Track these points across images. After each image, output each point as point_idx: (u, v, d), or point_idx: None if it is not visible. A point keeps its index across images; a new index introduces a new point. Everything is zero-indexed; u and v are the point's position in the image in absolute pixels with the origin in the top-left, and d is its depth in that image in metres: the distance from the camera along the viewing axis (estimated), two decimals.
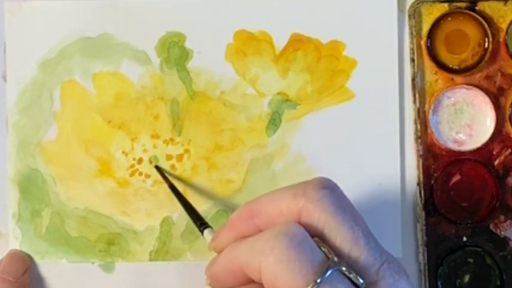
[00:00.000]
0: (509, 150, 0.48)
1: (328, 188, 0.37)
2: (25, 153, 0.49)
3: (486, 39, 0.48)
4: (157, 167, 0.49)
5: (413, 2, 0.49)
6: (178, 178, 0.49)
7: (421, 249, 0.48)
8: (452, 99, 0.49)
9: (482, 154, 0.49)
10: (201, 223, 0.44)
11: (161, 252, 0.49)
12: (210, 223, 0.49)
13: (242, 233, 0.38)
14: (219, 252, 0.39)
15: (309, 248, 0.35)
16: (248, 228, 0.38)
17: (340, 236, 0.36)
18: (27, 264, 0.49)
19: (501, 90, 0.49)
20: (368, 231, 0.37)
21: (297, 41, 0.49)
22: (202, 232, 0.43)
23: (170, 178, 0.49)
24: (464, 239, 0.48)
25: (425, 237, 0.48)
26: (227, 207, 0.49)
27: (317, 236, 0.36)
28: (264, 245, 0.35)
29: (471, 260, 0.48)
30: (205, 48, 0.49)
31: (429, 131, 0.49)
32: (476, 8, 0.48)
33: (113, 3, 0.49)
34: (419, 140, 0.49)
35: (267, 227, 0.37)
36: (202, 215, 0.49)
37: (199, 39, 0.49)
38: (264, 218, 0.38)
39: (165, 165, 0.49)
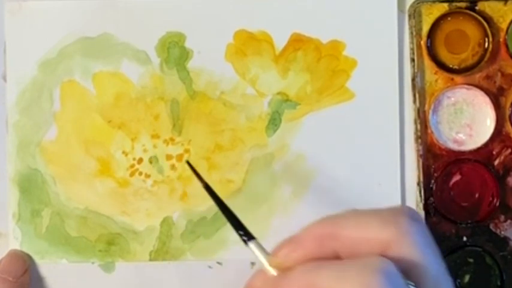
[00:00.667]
0: (509, 150, 0.48)
1: (418, 221, 0.36)
2: (25, 153, 0.49)
3: (486, 39, 0.48)
4: (189, 164, 0.45)
5: (413, 2, 0.49)
6: (179, 178, 0.49)
7: None
8: (452, 99, 0.49)
9: (482, 154, 0.49)
10: (245, 233, 0.40)
11: (161, 252, 0.49)
12: (210, 223, 0.49)
13: (315, 254, 0.36)
14: (282, 269, 0.37)
15: None
16: (323, 250, 0.36)
17: (428, 273, 0.35)
18: (27, 264, 0.49)
19: (501, 90, 0.49)
20: (445, 266, 0.36)
21: (297, 41, 0.49)
22: (246, 243, 0.40)
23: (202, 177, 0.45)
24: (464, 239, 0.48)
25: None
26: None
27: (403, 270, 0.35)
28: (357, 278, 0.33)
29: (471, 260, 0.48)
30: (205, 48, 0.49)
31: (429, 131, 0.49)
32: (476, 8, 0.48)
33: (113, 3, 0.49)
34: (419, 140, 0.49)
35: (347, 253, 0.36)
36: (202, 215, 0.49)
37: (199, 39, 0.49)
38: (345, 242, 0.36)
39: (165, 165, 0.49)
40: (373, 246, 0.35)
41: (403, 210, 0.36)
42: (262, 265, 0.38)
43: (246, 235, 0.40)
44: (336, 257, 0.36)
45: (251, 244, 0.39)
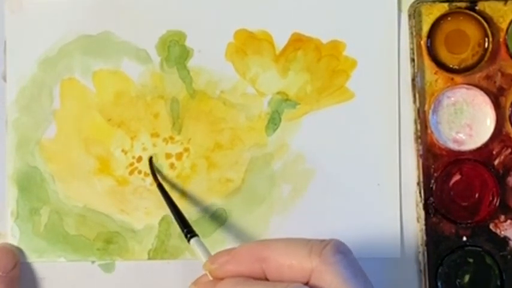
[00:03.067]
0: (509, 150, 0.48)
1: (343, 253, 0.38)
2: (24, 151, 0.49)
3: (486, 39, 0.48)
4: (150, 162, 0.49)
5: (413, 2, 0.49)
6: (178, 177, 0.49)
7: (421, 249, 0.48)
8: (452, 99, 0.49)
9: (482, 154, 0.48)
10: (188, 230, 0.44)
11: (160, 251, 0.49)
12: (209, 222, 0.49)
13: (245, 271, 0.39)
14: (215, 277, 0.40)
15: None
16: (253, 270, 0.39)
17: None
18: (17, 258, 0.49)
19: (501, 90, 0.49)
20: None
21: (297, 41, 0.50)
22: (188, 240, 0.44)
23: (160, 177, 0.49)
24: (464, 239, 0.48)
25: (425, 237, 0.48)
26: (226, 206, 0.49)
27: None
28: None
29: (471, 260, 0.48)
30: (205, 47, 0.49)
31: (429, 131, 0.49)
32: (476, 8, 0.48)
33: (113, 2, 0.49)
34: (419, 140, 0.49)
35: (273, 276, 0.38)
36: (201, 213, 0.49)
37: (199, 38, 0.49)
38: (273, 266, 0.38)
39: (164, 163, 0.49)
40: (297, 274, 0.37)
41: (330, 243, 0.38)
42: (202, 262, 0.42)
43: (190, 232, 0.44)
44: (265, 278, 0.39)
45: (192, 241, 0.43)
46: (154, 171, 0.49)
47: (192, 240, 0.43)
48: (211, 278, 0.40)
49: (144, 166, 0.49)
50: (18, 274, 0.49)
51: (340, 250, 0.38)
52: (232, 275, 0.39)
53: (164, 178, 0.49)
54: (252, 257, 0.39)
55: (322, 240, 0.38)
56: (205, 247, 0.43)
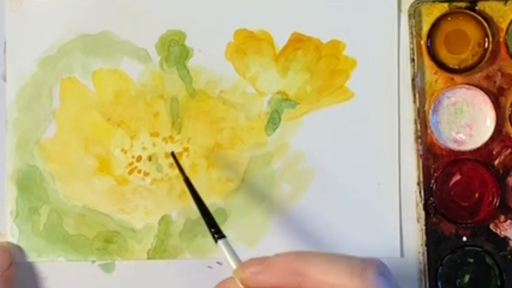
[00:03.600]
0: (509, 150, 0.48)
1: (385, 275, 0.37)
2: (24, 150, 0.49)
3: (486, 39, 0.48)
4: (173, 156, 0.48)
5: (413, 2, 0.49)
6: (178, 177, 0.49)
7: (421, 249, 0.48)
8: (452, 99, 0.49)
9: (482, 154, 0.48)
10: (215, 231, 0.43)
11: (159, 251, 0.49)
12: None
13: (280, 284, 0.38)
14: (245, 286, 0.39)
15: None
16: (288, 283, 0.37)
17: None
18: (12, 257, 0.48)
19: (501, 90, 0.49)
20: None
21: (297, 41, 0.50)
22: (216, 241, 0.43)
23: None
24: (464, 239, 0.48)
25: (425, 237, 0.48)
26: (226, 206, 0.49)
27: None
28: None
29: (471, 260, 0.48)
30: (205, 46, 0.49)
31: (429, 131, 0.49)
32: (476, 7, 0.48)
33: (113, 1, 0.49)
34: (419, 140, 0.49)
35: None
36: None
37: (199, 38, 0.49)
38: (311, 281, 0.37)
39: (164, 163, 0.49)
40: None
41: (373, 263, 0.37)
42: (229, 266, 0.41)
43: (218, 233, 0.43)
44: None
45: (220, 242, 0.42)
46: (179, 165, 0.47)
47: (220, 242, 0.42)
48: (239, 285, 0.39)
49: (144, 165, 0.49)
50: (13, 273, 0.48)
51: (381, 272, 0.37)
52: (264, 287, 0.38)
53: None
54: (289, 270, 0.38)
55: (363, 259, 0.37)
56: (233, 250, 0.42)
